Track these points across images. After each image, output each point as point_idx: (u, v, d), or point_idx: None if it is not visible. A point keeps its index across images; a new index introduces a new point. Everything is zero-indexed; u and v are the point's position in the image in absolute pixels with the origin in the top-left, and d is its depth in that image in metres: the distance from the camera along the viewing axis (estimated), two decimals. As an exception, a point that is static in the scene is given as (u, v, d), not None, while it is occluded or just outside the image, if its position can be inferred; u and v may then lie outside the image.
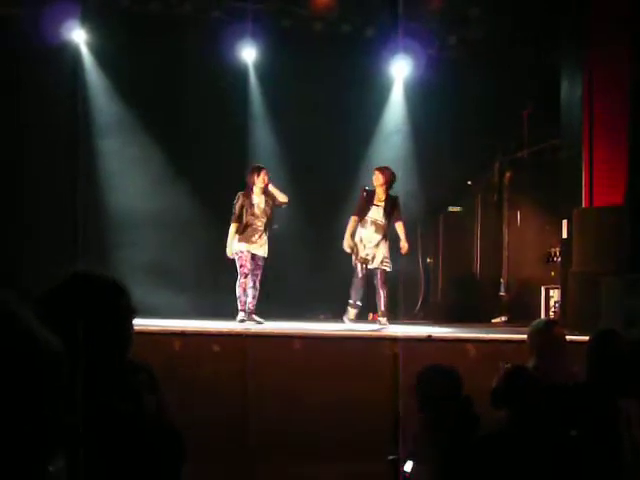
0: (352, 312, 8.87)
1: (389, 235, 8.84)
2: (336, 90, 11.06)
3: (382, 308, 8.84)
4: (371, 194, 8.88)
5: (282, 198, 8.95)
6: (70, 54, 10.33)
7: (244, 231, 8.77)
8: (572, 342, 5.09)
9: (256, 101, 11.32)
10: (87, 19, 10.15)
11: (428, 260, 12.05)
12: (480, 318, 11.10)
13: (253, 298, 8.79)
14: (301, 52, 10.99)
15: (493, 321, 10.97)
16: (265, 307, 9.13)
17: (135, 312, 2.12)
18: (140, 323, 6.94)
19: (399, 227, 8.83)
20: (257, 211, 8.82)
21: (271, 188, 8.92)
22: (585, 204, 9.24)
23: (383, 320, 8.85)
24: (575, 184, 9.34)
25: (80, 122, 10.23)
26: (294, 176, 10.86)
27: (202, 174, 10.86)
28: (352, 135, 11.29)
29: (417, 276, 11.87)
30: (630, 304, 7.39)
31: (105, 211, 10.64)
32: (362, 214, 8.80)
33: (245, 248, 8.76)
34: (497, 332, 8.39)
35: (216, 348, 6.37)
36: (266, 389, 6.31)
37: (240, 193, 8.89)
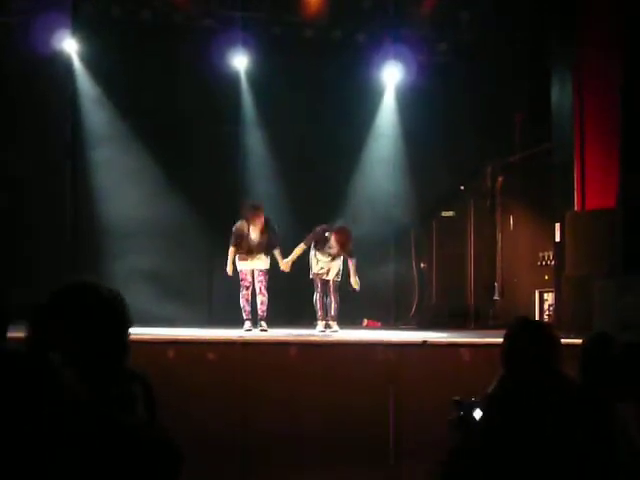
0: (321, 324, 9.18)
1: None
2: (328, 96, 11.09)
3: (332, 313, 9.19)
4: (325, 240, 9.09)
5: (282, 266, 9.09)
6: (61, 64, 10.32)
7: (243, 252, 8.95)
8: (566, 345, 5.11)
9: (248, 108, 11.33)
10: (78, 29, 10.15)
11: (422, 265, 12.07)
12: (474, 323, 11.13)
13: (262, 304, 8.99)
14: (292, 59, 11.01)
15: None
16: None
17: (131, 322, 2.12)
18: (135, 332, 6.95)
19: (351, 265, 9.11)
20: (254, 240, 8.95)
21: (276, 254, 9.06)
22: (577, 207, 9.27)
23: (334, 325, 9.15)
24: (567, 188, 9.37)
25: (72, 132, 10.24)
26: (286, 182, 10.88)
27: (195, 182, 10.86)
28: (344, 141, 11.31)
29: (411, 281, 11.89)
30: (623, 307, 7.41)
31: (99, 220, 10.62)
32: (311, 246, 9.16)
33: (244, 267, 8.99)
34: (492, 336, 8.39)
35: (211, 356, 6.36)
36: (261, 396, 6.31)
37: (239, 223, 8.97)
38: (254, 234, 8.95)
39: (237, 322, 8.99)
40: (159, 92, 10.66)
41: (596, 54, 9.20)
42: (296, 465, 6.12)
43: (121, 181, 10.60)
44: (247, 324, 8.95)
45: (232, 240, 8.92)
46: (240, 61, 10.97)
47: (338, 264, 9.22)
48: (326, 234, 9.11)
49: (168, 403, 2.79)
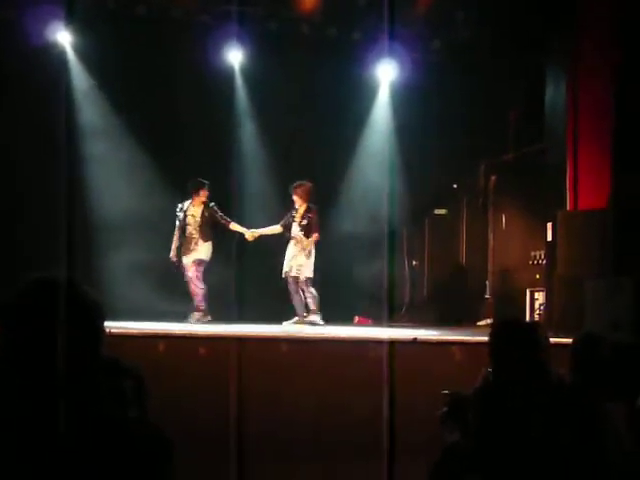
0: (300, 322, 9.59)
1: (312, 246, 9.65)
2: (322, 93, 11.09)
3: (312, 307, 9.60)
4: (292, 218, 9.76)
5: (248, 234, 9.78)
6: (55, 56, 10.28)
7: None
8: (557, 344, 5.12)
9: (242, 103, 11.31)
10: (73, 21, 10.11)
11: (414, 263, 12.08)
12: (465, 321, 11.15)
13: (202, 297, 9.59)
14: (288, 55, 11.00)
15: (478, 324, 11.00)
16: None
17: (100, 312, 2.08)
18: (125, 326, 6.95)
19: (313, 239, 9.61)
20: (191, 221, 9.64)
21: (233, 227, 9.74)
22: (570, 207, 9.30)
23: (317, 318, 9.57)
24: (560, 187, 9.40)
25: (65, 124, 10.20)
26: (281, 178, 10.87)
27: (188, 176, 10.84)
28: (338, 138, 11.31)
29: (403, 279, 11.90)
30: (614, 307, 7.43)
31: (92, 214, 10.60)
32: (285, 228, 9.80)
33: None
34: (482, 335, 8.41)
35: (202, 351, 6.36)
36: (253, 392, 6.31)
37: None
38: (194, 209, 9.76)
39: (232, 317, 9.06)
40: (153, 86, 10.64)
41: (591, 54, 9.23)
42: (289, 462, 6.12)
43: (115, 174, 10.58)
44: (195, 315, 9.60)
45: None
46: (235, 56, 10.96)
47: (298, 261, 9.54)
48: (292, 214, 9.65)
49: (159, 397, 2.78)
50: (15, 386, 1.83)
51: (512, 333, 3.69)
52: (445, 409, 3.74)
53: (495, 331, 3.73)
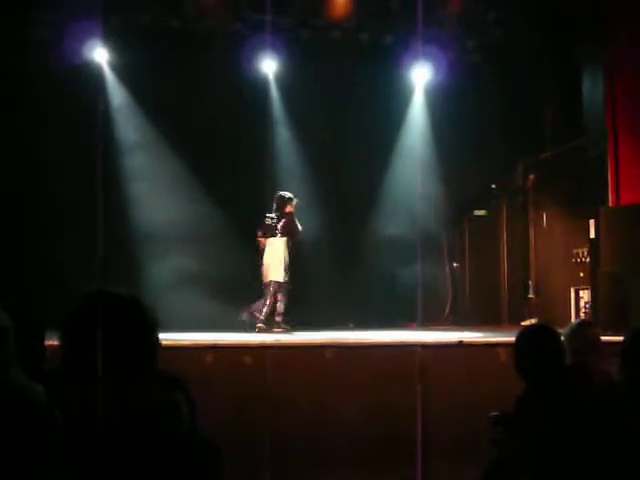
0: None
1: (284, 250, 9.79)
2: (357, 98, 11.09)
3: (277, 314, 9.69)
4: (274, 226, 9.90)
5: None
6: (93, 73, 10.42)
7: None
8: (607, 342, 5.06)
9: (278, 112, 11.36)
10: (108, 38, 10.24)
11: (455, 265, 12.02)
12: (510, 321, 11.06)
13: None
14: (321, 62, 11.01)
15: (523, 324, 10.90)
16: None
17: (157, 326, 2.11)
18: (171, 337, 7.00)
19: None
20: None
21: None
22: (612, 203, 9.19)
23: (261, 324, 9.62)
24: (601, 183, 9.30)
25: (104, 140, 10.32)
26: (318, 186, 10.89)
27: (226, 186, 10.91)
28: (374, 142, 11.30)
29: (444, 281, 11.84)
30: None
31: (131, 227, 10.70)
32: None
33: None
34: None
35: (248, 360, 6.38)
36: (296, 400, 6.31)
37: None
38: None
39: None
40: (189, 98, 10.73)
41: (627, 50, 9.12)
42: (328, 469, 6.12)
43: (153, 187, 10.67)
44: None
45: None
46: (269, 65, 11.01)
47: (273, 264, 9.66)
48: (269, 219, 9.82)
49: (206, 408, 2.80)
50: (73, 399, 1.85)
51: (534, 341, 3.71)
52: (496, 413, 3.72)
53: (518, 339, 3.76)
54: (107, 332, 1.90)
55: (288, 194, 9.94)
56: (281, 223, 9.80)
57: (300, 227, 9.91)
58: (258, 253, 9.89)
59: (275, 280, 9.66)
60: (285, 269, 9.71)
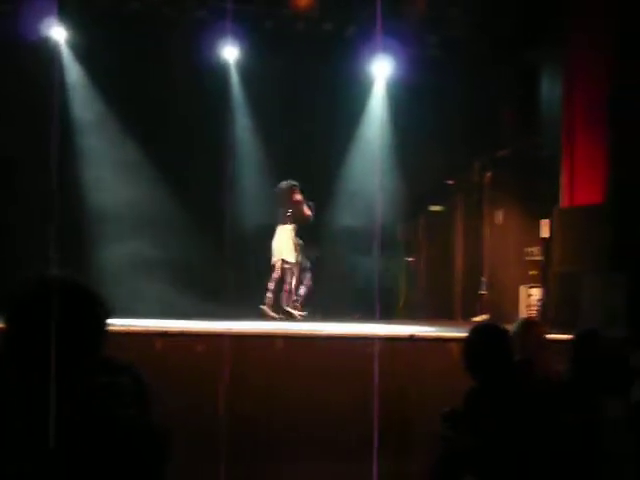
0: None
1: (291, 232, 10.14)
2: (318, 89, 11.07)
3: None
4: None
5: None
6: (49, 51, 10.24)
7: None
8: (555, 341, 5.12)
9: (238, 100, 11.29)
10: (67, 16, 10.08)
11: (409, 259, 12.08)
12: (463, 317, 11.15)
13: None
14: (283, 51, 10.97)
15: (474, 320, 11.00)
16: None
17: (104, 311, 2.07)
18: (122, 323, 6.92)
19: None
20: None
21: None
22: (565, 203, 9.29)
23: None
24: (555, 183, 9.39)
25: (59, 120, 10.15)
26: (276, 174, 10.85)
27: (183, 171, 10.84)
28: (333, 134, 11.29)
29: (398, 275, 11.89)
30: (609, 302, 7.44)
31: (87, 208, 10.57)
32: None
33: None
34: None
35: (199, 348, 6.34)
36: (247, 389, 6.30)
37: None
38: None
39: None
40: (148, 81, 10.60)
41: (586, 51, 9.21)
42: (282, 458, 6.12)
43: (109, 169, 10.55)
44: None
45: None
46: (230, 53, 10.94)
47: (279, 245, 9.94)
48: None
49: (155, 395, 2.77)
50: (14, 383, 1.81)
51: (483, 339, 3.76)
52: (449, 408, 3.75)
53: (468, 337, 3.81)
54: (53, 316, 1.87)
55: (288, 183, 10.22)
56: (291, 213, 10.06)
57: (309, 211, 10.20)
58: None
59: (285, 259, 9.95)
60: (295, 250, 10.03)
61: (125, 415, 1.95)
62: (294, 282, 10.04)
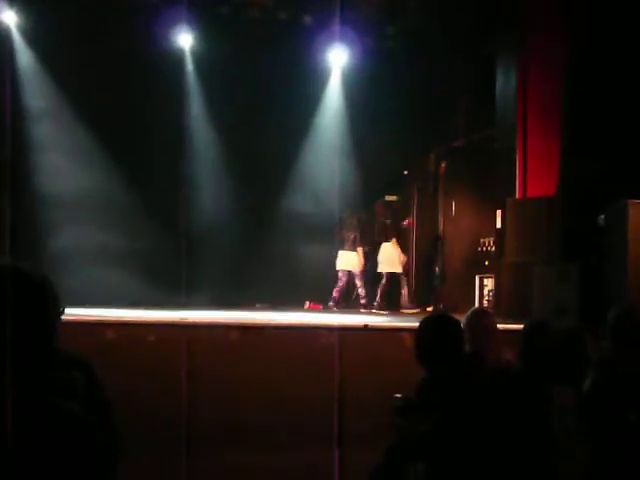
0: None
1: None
2: (273, 77, 11.02)
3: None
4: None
5: None
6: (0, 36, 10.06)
7: None
8: (506, 330, 5.17)
9: (193, 87, 11.21)
10: (18, 0, 9.90)
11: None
12: (417, 307, 11.23)
13: None
14: (238, 38, 10.89)
15: (429, 310, 11.08)
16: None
17: (55, 301, 2.04)
18: (74, 312, 6.84)
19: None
20: None
21: None
22: (518, 195, 9.38)
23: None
24: (509, 174, 9.47)
25: (10, 106, 9.98)
26: (230, 162, 10.80)
27: (137, 158, 10.72)
28: (289, 122, 11.25)
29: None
30: (561, 293, 7.54)
31: (39, 196, 10.42)
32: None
33: None
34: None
35: (152, 338, 6.29)
36: (203, 379, 6.27)
37: None
38: None
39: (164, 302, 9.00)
40: (101, 67, 10.45)
41: (540, 44, 9.29)
42: (238, 448, 6.10)
43: (62, 157, 10.41)
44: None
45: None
46: (186, 39, 10.85)
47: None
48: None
49: (109, 385, 2.75)
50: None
51: (434, 329, 3.79)
52: (400, 395, 3.77)
53: (420, 328, 3.84)
54: (1, 307, 1.83)
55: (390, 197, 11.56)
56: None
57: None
58: None
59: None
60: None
61: (73, 410, 1.92)
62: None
